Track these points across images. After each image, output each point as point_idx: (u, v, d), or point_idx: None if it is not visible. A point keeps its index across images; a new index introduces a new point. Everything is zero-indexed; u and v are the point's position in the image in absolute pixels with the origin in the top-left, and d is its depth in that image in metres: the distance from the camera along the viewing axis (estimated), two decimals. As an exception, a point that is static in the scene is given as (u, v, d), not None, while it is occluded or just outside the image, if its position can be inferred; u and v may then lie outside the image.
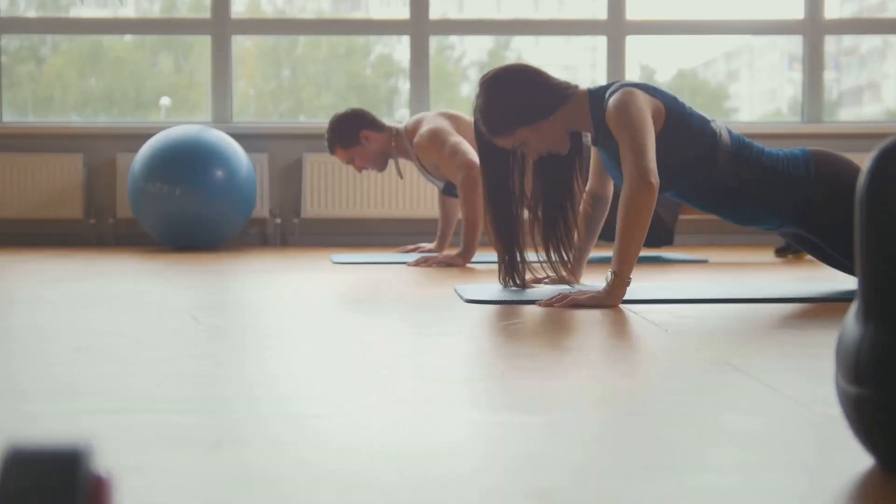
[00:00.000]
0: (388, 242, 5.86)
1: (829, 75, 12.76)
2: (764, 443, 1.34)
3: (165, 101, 7.14)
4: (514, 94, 3.03)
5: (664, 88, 3.09)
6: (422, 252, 4.95)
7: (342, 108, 4.80)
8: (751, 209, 3.06)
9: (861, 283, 1.19)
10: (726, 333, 2.41)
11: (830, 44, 12.53)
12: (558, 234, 3.18)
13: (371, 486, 1.15)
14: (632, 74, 6.42)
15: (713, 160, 2.99)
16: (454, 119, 4.58)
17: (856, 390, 1.20)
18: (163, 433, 1.38)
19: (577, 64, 8.68)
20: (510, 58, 8.03)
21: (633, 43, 6.24)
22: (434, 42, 6.37)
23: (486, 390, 1.74)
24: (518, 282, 3.19)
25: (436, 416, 1.50)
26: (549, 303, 2.85)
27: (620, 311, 2.72)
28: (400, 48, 7.03)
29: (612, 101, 2.94)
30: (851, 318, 1.22)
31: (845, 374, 1.21)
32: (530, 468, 1.22)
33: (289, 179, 6.12)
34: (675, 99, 3.03)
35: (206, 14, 6.19)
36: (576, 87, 3.08)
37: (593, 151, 3.30)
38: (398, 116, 6.55)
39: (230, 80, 6.18)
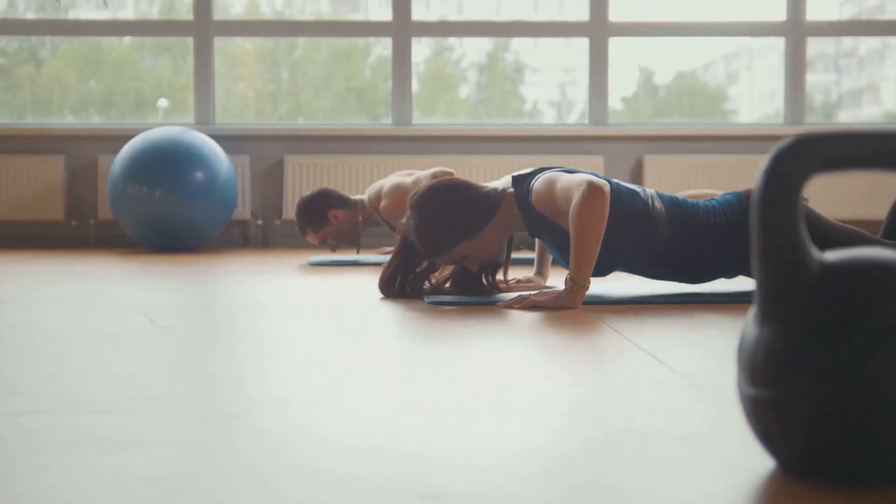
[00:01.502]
0: (370, 244, 5.86)
1: (828, 77, 12.74)
2: (672, 442, 1.34)
3: (163, 102, 7.14)
4: (446, 213, 3.00)
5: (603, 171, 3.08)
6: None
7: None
8: (706, 265, 3.02)
9: (757, 285, 1.19)
10: (678, 333, 2.41)
11: (829, 46, 12.51)
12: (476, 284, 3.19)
13: (274, 484, 1.15)
14: (626, 76, 6.42)
15: (651, 229, 2.96)
16: (415, 177, 4.60)
17: (754, 391, 1.20)
18: (79, 434, 1.38)
19: (576, 66, 8.70)
20: (508, 59, 8.04)
21: (628, 45, 6.25)
22: (434, 44, 6.38)
23: (387, 389, 1.74)
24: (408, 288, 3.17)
25: (338, 415, 1.51)
26: (509, 304, 2.86)
27: (579, 312, 2.73)
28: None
29: (536, 183, 2.94)
30: (750, 320, 1.22)
31: (744, 375, 1.22)
32: (417, 468, 1.22)
33: (270, 181, 6.12)
34: (598, 177, 3.02)
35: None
36: (503, 191, 3.06)
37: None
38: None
39: (212, 81, 6.18)
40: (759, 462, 1.24)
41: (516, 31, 6.72)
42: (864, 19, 7.26)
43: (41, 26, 6.63)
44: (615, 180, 3.03)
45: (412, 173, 4.71)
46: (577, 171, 2.98)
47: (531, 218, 3.00)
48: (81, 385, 1.75)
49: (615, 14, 6.19)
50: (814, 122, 6.71)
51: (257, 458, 1.28)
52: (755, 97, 12.56)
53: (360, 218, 4.77)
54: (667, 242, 2.98)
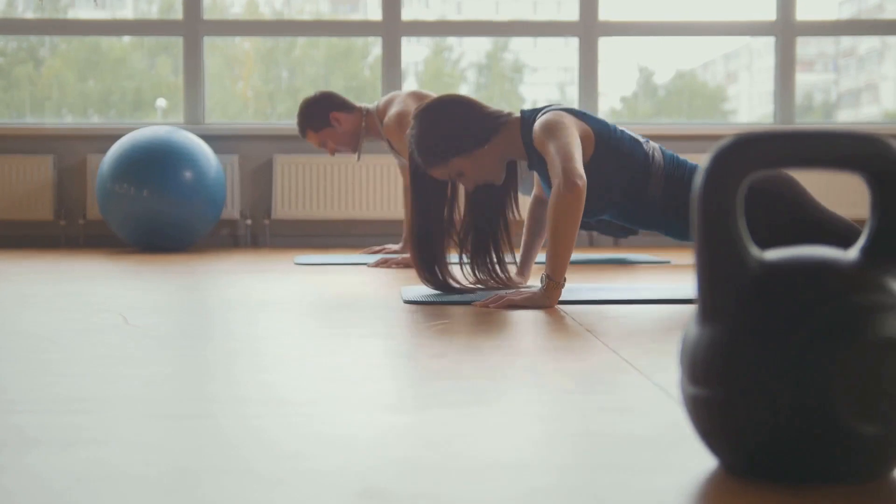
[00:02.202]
0: (358, 243, 5.87)
1: (827, 77, 12.74)
2: (627, 442, 1.34)
3: (161, 102, 7.15)
4: (447, 124, 3.02)
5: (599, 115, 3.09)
6: (387, 253, 4.96)
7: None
8: (686, 225, 3.07)
9: (698, 284, 1.19)
10: (648, 334, 2.40)
11: (829, 45, 12.49)
12: (487, 262, 3.18)
13: (227, 486, 1.15)
14: (626, 75, 6.42)
15: (646, 181, 3.00)
16: (425, 100, 4.49)
17: (695, 391, 1.20)
18: (26, 433, 1.38)
19: (575, 65, 8.71)
20: (507, 59, 8.04)
21: (626, 45, 6.24)
22: (433, 44, 6.37)
23: (364, 390, 1.74)
24: (439, 281, 3.15)
25: (319, 415, 1.50)
26: (484, 303, 2.85)
27: (554, 312, 2.72)
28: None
29: (538, 123, 2.95)
30: (692, 320, 1.22)
31: (686, 375, 1.21)
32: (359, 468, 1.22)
33: (259, 180, 6.12)
34: (604, 122, 3.04)
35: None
36: (509, 114, 3.08)
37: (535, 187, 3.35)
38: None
39: (202, 81, 6.18)
40: (704, 463, 1.24)
41: (507, 31, 6.72)
42: (856, 19, 7.25)
43: (34, 25, 6.63)
44: (620, 128, 3.06)
45: (428, 95, 4.48)
46: (584, 116, 3.00)
47: (532, 153, 3.03)
48: (36, 384, 1.74)
49: (605, 13, 6.18)
50: (806, 122, 6.70)
51: (204, 457, 1.27)
52: (755, 97, 12.55)
53: (363, 124, 4.64)
54: (660, 194, 3.02)
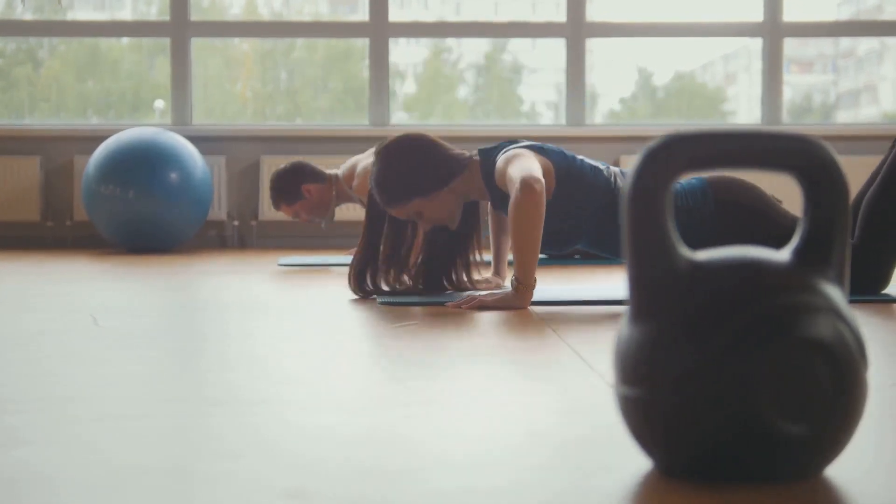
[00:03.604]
0: (346, 245, 5.86)
1: (826, 78, 12.72)
2: (564, 442, 1.34)
3: (159, 103, 7.15)
4: (408, 165, 3.01)
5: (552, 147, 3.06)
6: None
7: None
8: None
9: (628, 283, 1.19)
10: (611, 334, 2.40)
11: (828, 47, 12.47)
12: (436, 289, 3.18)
13: (156, 485, 1.15)
14: (625, 76, 6.41)
15: (612, 206, 2.98)
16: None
17: (625, 390, 1.19)
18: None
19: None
20: (506, 61, 8.04)
21: (622, 47, 6.24)
22: (432, 45, 6.37)
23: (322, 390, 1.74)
24: (370, 287, 3.15)
25: (261, 415, 1.50)
26: (457, 304, 2.85)
27: (525, 313, 2.72)
28: (396, 51, 7.03)
29: (499, 161, 2.94)
30: (623, 319, 1.22)
31: (618, 374, 1.21)
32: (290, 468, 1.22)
33: (246, 182, 6.12)
34: (563, 153, 3.03)
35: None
36: (469, 156, 3.08)
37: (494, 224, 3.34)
38: (395, 119, 6.53)
39: (189, 82, 6.18)
40: (636, 463, 1.24)
41: (497, 32, 6.72)
42: (846, 20, 7.25)
43: (28, 27, 6.64)
44: (580, 157, 3.06)
45: None
46: (543, 148, 3.00)
47: (494, 191, 3.03)
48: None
49: (593, 15, 6.18)
50: (800, 123, 6.70)
51: (147, 459, 1.27)
52: (754, 98, 12.54)
53: (334, 192, 4.72)
54: None
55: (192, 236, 5.68)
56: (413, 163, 3.02)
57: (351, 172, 4.66)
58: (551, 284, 3.43)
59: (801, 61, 13.45)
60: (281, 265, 4.56)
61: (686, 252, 1.18)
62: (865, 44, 12.00)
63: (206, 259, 5.02)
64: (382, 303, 2.97)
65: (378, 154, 3.07)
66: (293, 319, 2.73)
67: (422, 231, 3.13)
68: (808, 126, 6.40)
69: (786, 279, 1.15)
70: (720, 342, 1.12)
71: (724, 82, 13.40)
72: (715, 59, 12.97)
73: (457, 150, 3.11)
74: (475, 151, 3.12)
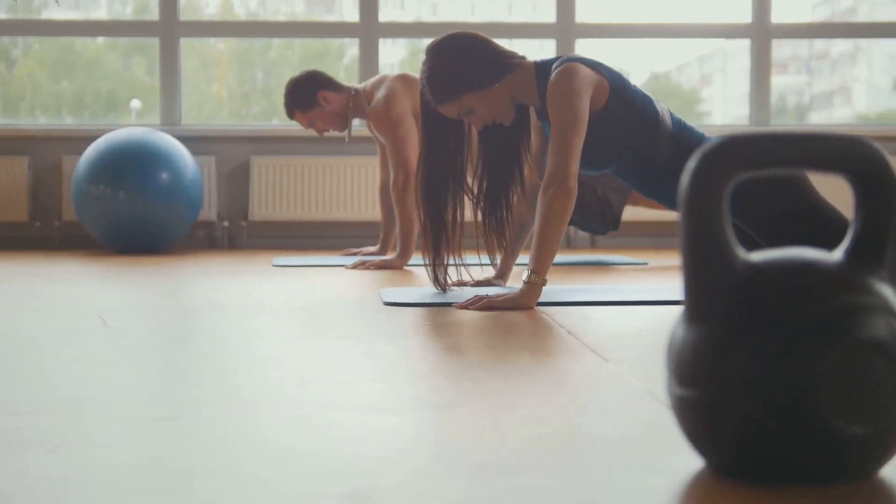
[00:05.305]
0: (336, 245, 5.85)
1: (800, 79, 12.81)
2: (610, 444, 1.34)
3: (136, 103, 7.11)
4: (460, 60, 3.01)
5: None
6: (365, 255, 4.95)
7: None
8: None
9: (684, 285, 1.19)
10: (629, 335, 2.41)
11: (802, 48, 12.56)
12: (496, 220, 3.17)
13: (198, 485, 1.14)
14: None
15: (653, 140, 3.01)
16: (413, 87, 4.40)
17: (681, 392, 1.20)
18: (5, 436, 1.37)
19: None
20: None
21: (600, 47, 6.25)
22: (409, 44, 6.34)
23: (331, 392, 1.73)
24: (441, 282, 3.17)
25: (271, 415, 1.50)
26: (464, 305, 2.85)
27: (533, 314, 2.72)
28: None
29: (555, 73, 2.93)
30: (679, 320, 1.22)
31: (672, 376, 1.21)
32: (349, 470, 1.21)
33: (236, 182, 6.10)
34: (619, 76, 3.04)
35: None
36: (522, 57, 3.08)
37: (535, 137, 3.27)
38: None
39: (178, 82, 6.15)
40: (689, 463, 1.24)
41: (486, 33, 6.71)
42: (830, 22, 7.30)
43: (9, 26, 6.58)
44: (633, 85, 3.06)
45: (416, 81, 4.38)
46: (599, 66, 2.99)
47: (545, 99, 2.99)
48: (13, 386, 1.73)
49: (582, 15, 6.19)
50: (781, 124, 6.74)
51: (183, 459, 1.27)
52: (729, 99, 12.59)
53: (351, 105, 4.59)
54: (665, 158, 3.02)
55: (182, 237, 5.65)
56: (464, 58, 3.01)
57: (372, 89, 4.52)
58: (554, 285, 3.44)
59: (776, 62, 13.65)
60: (276, 266, 4.55)
61: (742, 253, 1.19)
62: (839, 45, 12.09)
63: (198, 260, 5.00)
64: (388, 304, 2.96)
65: (429, 52, 3.05)
66: (300, 320, 2.72)
67: (476, 132, 3.10)
68: (775, 127, 6.43)
69: (842, 280, 1.16)
70: (779, 344, 1.12)
71: (700, 83, 13.47)
72: (691, 60, 13.04)
73: (509, 50, 3.09)
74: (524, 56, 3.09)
